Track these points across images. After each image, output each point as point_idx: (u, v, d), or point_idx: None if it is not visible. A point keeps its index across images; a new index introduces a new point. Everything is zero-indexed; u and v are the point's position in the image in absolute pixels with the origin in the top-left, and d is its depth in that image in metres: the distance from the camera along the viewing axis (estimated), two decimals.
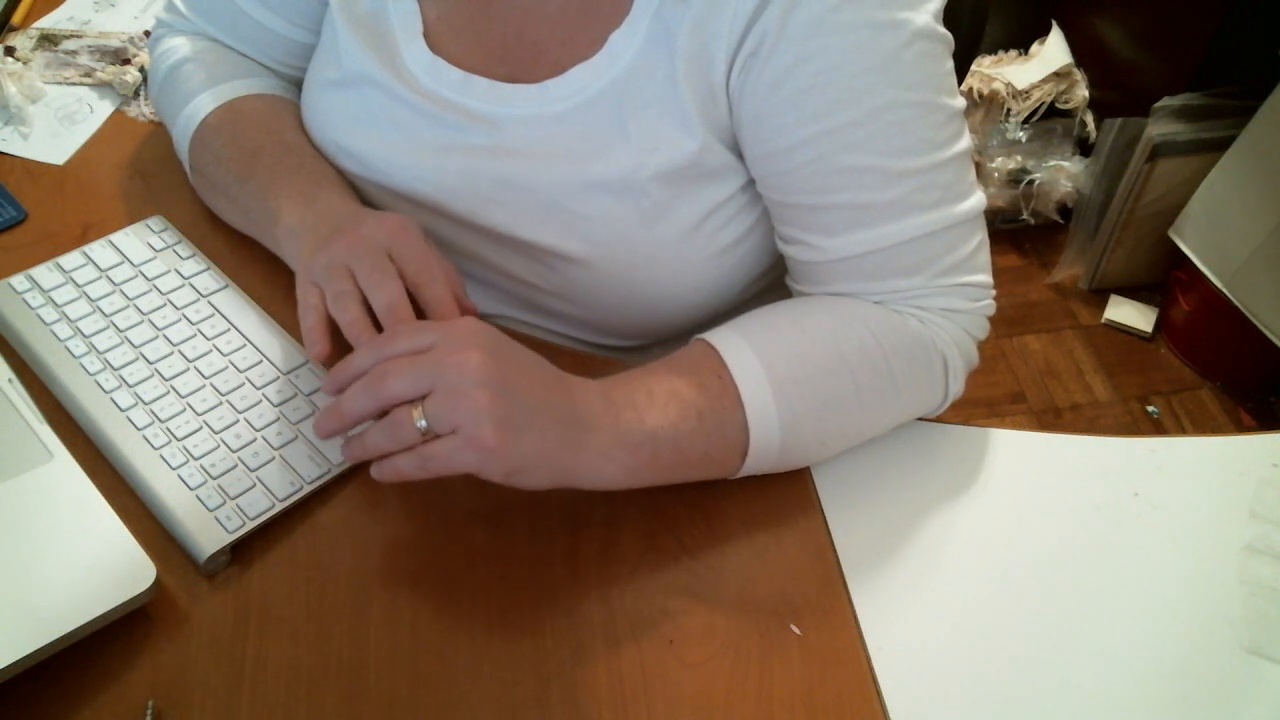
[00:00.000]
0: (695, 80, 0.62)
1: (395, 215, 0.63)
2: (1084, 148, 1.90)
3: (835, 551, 0.62)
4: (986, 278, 0.65)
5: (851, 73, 0.58)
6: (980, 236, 0.64)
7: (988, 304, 0.66)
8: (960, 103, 0.62)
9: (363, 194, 0.73)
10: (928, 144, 0.60)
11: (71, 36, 0.96)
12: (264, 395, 0.65)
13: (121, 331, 0.68)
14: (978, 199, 0.63)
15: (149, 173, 0.83)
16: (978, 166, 1.88)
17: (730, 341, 0.60)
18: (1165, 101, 1.68)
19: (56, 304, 0.70)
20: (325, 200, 0.67)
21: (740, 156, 0.65)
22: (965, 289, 0.64)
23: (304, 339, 0.60)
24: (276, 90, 0.77)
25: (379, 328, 0.58)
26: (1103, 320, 1.85)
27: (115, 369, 0.66)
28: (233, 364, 0.67)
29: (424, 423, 0.53)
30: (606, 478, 0.57)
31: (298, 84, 0.78)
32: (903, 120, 0.59)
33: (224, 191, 0.73)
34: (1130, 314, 1.85)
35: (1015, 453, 0.68)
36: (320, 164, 0.71)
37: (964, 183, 0.62)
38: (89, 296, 0.70)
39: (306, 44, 0.77)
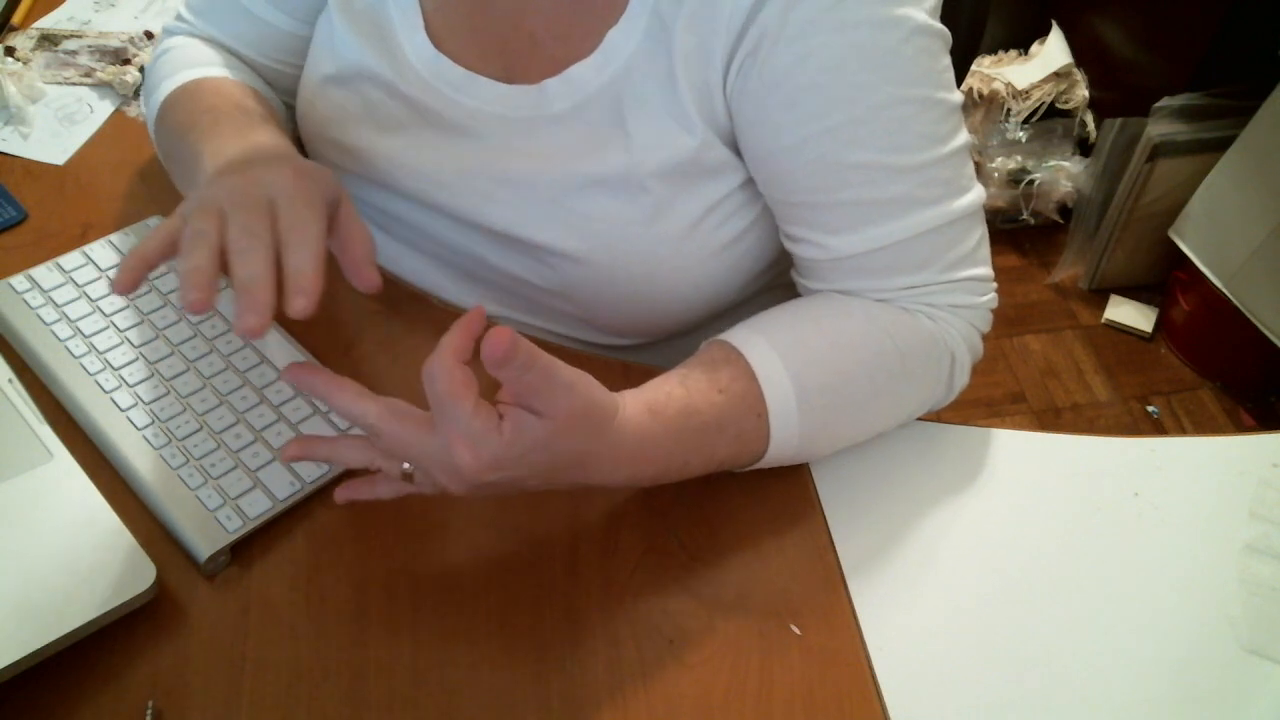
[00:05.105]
0: (693, 76, 0.61)
1: (306, 167, 0.57)
2: (1084, 148, 1.90)
3: (835, 551, 0.62)
4: (988, 271, 0.66)
5: (852, 70, 0.58)
6: (981, 230, 0.65)
7: (991, 297, 0.67)
8: (958, 98, 0.62)
9: (359, 194, 0.73)
10: (928, 139, 0.60)
11: (71, 36, 0.96)
12: (264, 396, 0.65)
13: (121, 332, 0.68)
14: (978, 193, 0.63)
15: (149, 173, 0.83)
16: (978, 166, 1.88)
17: (757, 347, 0.59)
18: (1165, 101, 1.68)
19: (56, 304, 0.69)
20: (253, 136, 0.62)
21: (738, 154, 0.65)
22: (970, 283, 0.65)
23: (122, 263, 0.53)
24: (254, 84, 0.75)
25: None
26: (1103, 320, 1.85)
27: (115, 369, 0.66)
28: (232, 365, 0.67)
29: (408, 466, 0.54)
30: (607, 485, 0.57)
31: (291, 89, 0.78)
32: (903, 117, 0.59)
33: (169, 155, 0.70)
34: (1130, 314, 1.85)
35: (1015, 453, 0.68)
36: (266, 120, 0.67)
37: (964, 177, 0.63)
38: (89, 296, 0.70)
39: (304, 38, 0.76)
